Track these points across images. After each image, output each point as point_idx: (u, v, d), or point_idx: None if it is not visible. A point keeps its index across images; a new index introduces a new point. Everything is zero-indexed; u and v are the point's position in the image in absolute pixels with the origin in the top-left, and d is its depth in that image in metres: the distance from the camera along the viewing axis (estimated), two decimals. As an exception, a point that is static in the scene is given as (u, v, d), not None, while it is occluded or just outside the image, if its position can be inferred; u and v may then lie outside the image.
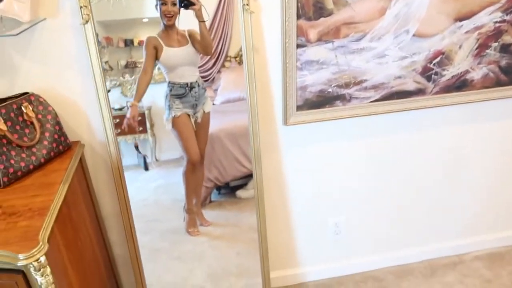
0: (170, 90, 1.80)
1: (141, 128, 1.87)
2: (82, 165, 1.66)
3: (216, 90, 1.99)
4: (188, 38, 1.76)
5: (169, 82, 1.79)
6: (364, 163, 2.03)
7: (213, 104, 1.98)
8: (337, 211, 2.12)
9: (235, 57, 1.93)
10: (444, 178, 2.18)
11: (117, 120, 1.77)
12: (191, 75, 1.81)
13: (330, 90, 1.77)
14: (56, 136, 1.50)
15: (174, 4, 1.64)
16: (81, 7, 1.40)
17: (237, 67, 1.94)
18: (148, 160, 1.95)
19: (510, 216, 2.40)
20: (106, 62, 1.72)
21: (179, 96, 1.81)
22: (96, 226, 1.76)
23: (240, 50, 1.85)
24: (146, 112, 1.87)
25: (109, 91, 1.69)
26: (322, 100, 1.78)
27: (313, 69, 1.70)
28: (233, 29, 1.83)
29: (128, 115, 1.73)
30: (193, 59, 1.80)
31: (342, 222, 2.15)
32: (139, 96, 1.76)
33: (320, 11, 1.60)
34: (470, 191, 2.26)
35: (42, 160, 1.44)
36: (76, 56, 1.53)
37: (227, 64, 1.94)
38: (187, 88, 1.80)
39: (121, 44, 1.72)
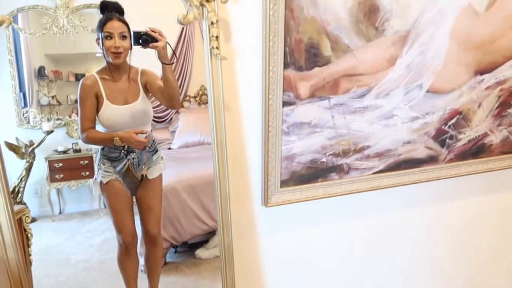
0: (103, 148, 1.54)
1: (88, 173, 1.73)
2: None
3: (173, 132, 1.92)
4: (140, 87, 1.47)
5: None
6: (363, 248, 1.72)
7: (170, 148, 1.89)
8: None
9: (195, 97, 1.89)
10: (458, 261, 1.89)
11: (60, 165, 1.69)
12: None
13: (324, 159, 1.47)
14: None
15: (124, 37, 1.34)
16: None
17: (196, 108, 1.90)
18: (95, 207, 1.80)
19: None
20: (53, 97, 1.67)
21: (111, 159, 1.51)
22: None
23: (200, 89, 1.89)
24: (94, 156, 1.70)
25: (52, 131, 1.61)
26: (313, 173, 1.48)
27: (303, 134, 1.42)
28: (193, 66, 1.78)
29: (136, 140, 1.47)
30: (140, 120, 1.50)
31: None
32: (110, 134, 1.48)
33: (315, 59, 1.32)
34: (492, 271, 1.99)
35: None
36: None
37: (186, 104, 1.88)
38: (122, 152, 1.50)
39: (72, 78, 1.65)
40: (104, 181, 1.53)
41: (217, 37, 1.18)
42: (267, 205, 1.46)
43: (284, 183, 1.45)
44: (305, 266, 1.66)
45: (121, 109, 1.45)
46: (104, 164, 1.53)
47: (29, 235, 1.37)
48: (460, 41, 1.44)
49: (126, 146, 1.50)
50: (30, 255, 1.37)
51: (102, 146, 1.52)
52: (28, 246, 1.37)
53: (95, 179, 1.58)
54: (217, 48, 1.18)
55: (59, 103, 1.66)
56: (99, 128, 1.52)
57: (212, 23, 1.16)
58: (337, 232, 1.66)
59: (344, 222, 1.65)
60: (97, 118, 1.48)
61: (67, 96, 1.68)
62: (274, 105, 1.33)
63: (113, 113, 1.46)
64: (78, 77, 1.62)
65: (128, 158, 1.51)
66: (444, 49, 1.44)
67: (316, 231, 1.63)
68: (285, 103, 1.35)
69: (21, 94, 1.62)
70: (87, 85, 1.44)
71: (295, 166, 1.44)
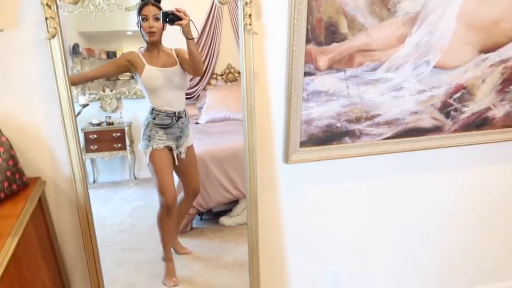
0: (154, 118, 1.63)
1: (119, 145, 1.79)
2: (41, 207, 1.38)
3: (200, 108, 1.93)
4: (175, 57, 1.58)
5: (153, 109, 1.62)
6: (371, 206, 1.81)
7: (197, 123, 1.91)
8: (338, 260, 1.87)
9: (222, 75, 1.89)
10: (459, 223, 1.97)
11: (95, 136, 1.73)
12: (179, 102, 1.63)
13: (338, 124, 1.57)
14: (8, 174, 1.22)
15: (157, 19, 1.48)
16: (46, 18, 1.13)
17: (223, 85, 1.91)
18: (126, 178, 1.86)
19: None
20: (86, 74, 1.67)
21: (164, 127, 1.63)
22: (56, 278, 1.46)
23: (227, 67, 1.90)
24: (126, 129, 1.78)
25: (87, 105, 1.63)
26: (329, 136, 1.59)
27: (321, 101, 1.52)
28: (220, 46, 1.79)
29: None
30: (180, 83, 1.61)
31: (343, 273, 1.91)
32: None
33: (333, 36, 1.42)
34: (489, 236, 2.05)
35: (-12, 204, 1.15)
36: (39, 77, 1.27)
37: (212, 81, 1.89)
38: (174, 117, 1.62)
39: (104, 56, 1.67)
40: (160, 147, 1.63)
41: (250, 15, 1.30)
42: (288, 162, 1.57)
43: (303, 144, 1.56)
44: (319, 219, 1.77)
45: (161, 70, 1.55)
46: (157, 133, 1.63)
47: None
48: (467, 22, 1.50)
49: (177, 113, 1.61)
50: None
51: (153, 116, 1.61)
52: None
53: (145, 149, 1.64)
54: (250, 24, 1.31)
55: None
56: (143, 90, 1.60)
57: (246, 3, 1.29)
58: (349, 190, 1.74)
59: (356, 182, 1.73)
60: (139, 82, 1.57)
61: (99, 73, 1.68)
62: (296, 75, 1.43)
63: (153, 73, 1.55)
64: (109, 54, 1.66)
65: (178, 123, 1.63)
66: (451, 30, 1.50)
67: (330, 189, 1.72)
68: (306, 74, 1.45)
69: (57, 69, 1.68)
70: (128, 52, 1.57)
71: (313, 129, 1.55)
